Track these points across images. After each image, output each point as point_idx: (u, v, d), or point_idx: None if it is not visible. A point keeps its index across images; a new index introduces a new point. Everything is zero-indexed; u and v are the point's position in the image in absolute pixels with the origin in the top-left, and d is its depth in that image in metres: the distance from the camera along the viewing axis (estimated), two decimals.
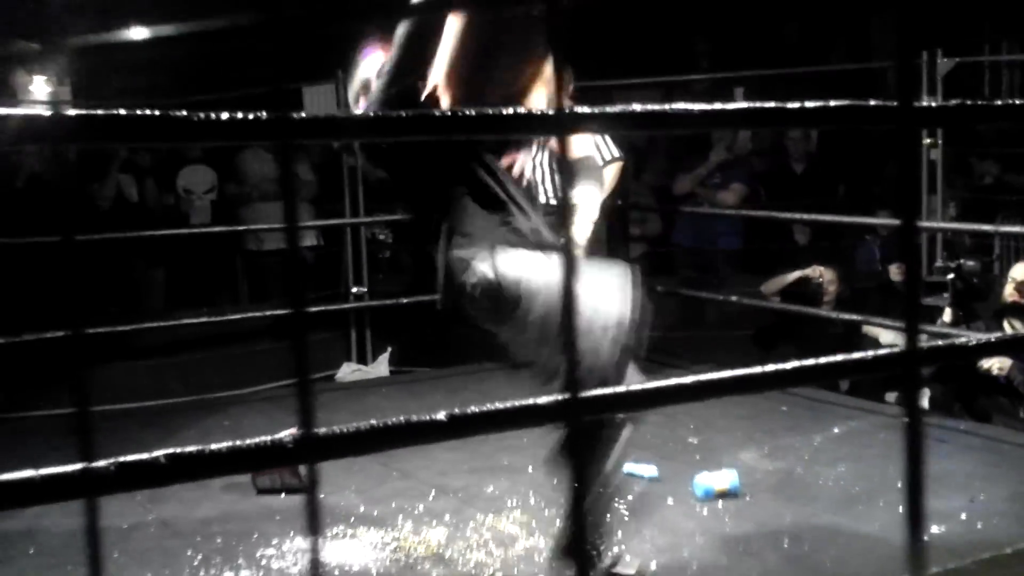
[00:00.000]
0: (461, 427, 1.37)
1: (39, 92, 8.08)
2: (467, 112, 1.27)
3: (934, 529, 3.68)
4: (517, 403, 1.37)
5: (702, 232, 7.75)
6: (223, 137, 1.23)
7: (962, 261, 5.71)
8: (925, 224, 6.77)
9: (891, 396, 5.66)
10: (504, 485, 4.25)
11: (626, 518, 3.90)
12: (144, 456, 1.19)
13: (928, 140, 7.10)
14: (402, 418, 1.11)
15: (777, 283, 6.58)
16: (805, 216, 6.73)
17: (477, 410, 1.32)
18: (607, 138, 5.96)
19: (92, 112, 1.10)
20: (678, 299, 7.14)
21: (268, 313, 6.28)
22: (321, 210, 7.57)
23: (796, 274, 6.53)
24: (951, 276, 5.56)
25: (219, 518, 4.02)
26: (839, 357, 1.55)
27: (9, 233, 6.12)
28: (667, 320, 7.28)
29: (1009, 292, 5.52)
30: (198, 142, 1.19)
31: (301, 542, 3.78)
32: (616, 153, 5.94)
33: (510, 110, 1.33)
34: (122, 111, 1.11)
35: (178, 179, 7.87)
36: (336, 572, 3.52)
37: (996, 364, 5.13)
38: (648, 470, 4.37)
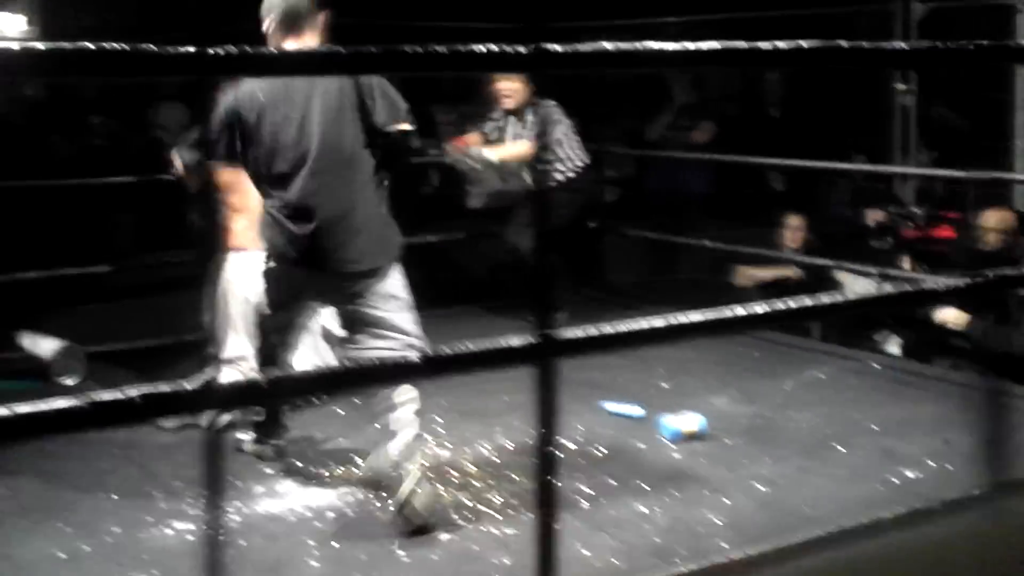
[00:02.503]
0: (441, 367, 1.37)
1: (8, 30, 7.97)
2: (437, 49, 1.26)
3: (907, 473, 3.74)
4: (488, 345, 1.38)
5: (674, 177, 7.73)
6: (186, 71, 1.21)
7: (910, 210, 5.75)
8: (896, 169, 6.80)
9: (894, 346, 5.65)
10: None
11: (601, 461, 3.96)
12: (119, 394, 1.20)
13: (901, 86, 7.11)
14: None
15: (752, 275, 6.51)
16: (776, 161, 6.73)
17: (454, 351, 1.32)
18: (573, 150, 5.96)
19: (60, 45, 1.08)
20: (650, 244, 7.15)
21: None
22: None
23: (774, 273, 6.45)
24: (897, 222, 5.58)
25: (196, 462, 4.01)
26: (803, 301, 1.57)
27: None
28: (639, 265, 7.32)
29: (982, 241, 5.53)
30: (164, 76, 1.18)
31: (275, 485, 3.80)
32: (580, 167, 5.95)
33: (481, 48, 1.32)
34: (88, 44, 1.09)
35: (154, 116, 7.76)
36: (305, 513, 3.54)
37: (952, 318, 5.10)
38: (634, 410, 4.43)
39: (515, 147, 5.93)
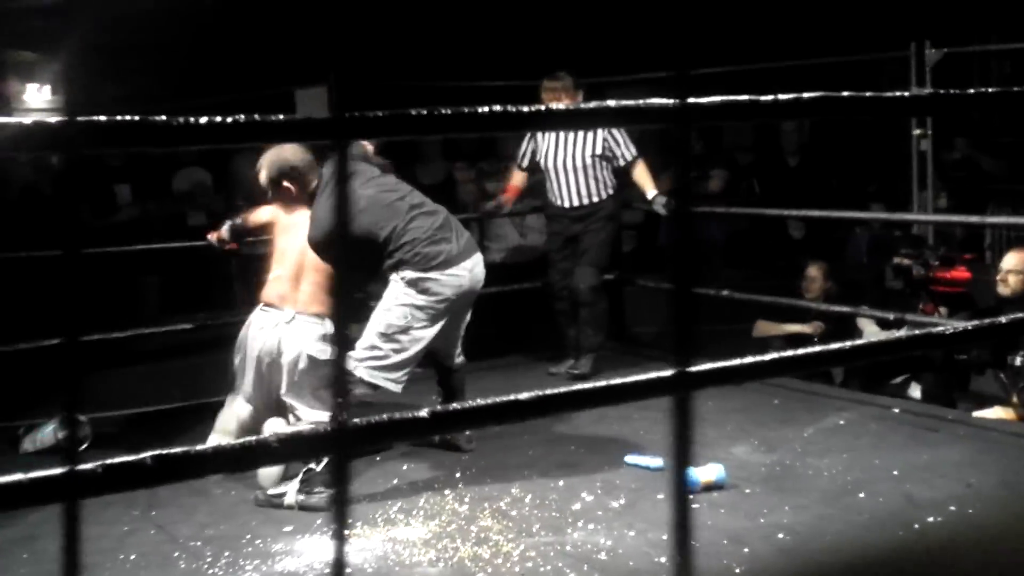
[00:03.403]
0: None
1: (33, 100, 8.12)
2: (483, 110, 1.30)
3: (929, 518, 3.71)
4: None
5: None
6: (212, 141, 1.25)
7: (922, 251, 5.75)
8: (913, 218, 6.80)
9: (916, 391, 5.63)
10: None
11: (619, 511, 3.95)
12: (131, 458, 1.22)
13: (918, 131, 7.13)
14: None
15: (771, 329, 6.52)
16: (793, 212, 6.76)
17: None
18: (625, 139, 6.03)
19: (86, 119, 1.13)
20: (667, 295, 7.16)
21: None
22: None
23: (795, 328, 6.45)
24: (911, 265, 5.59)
25: (215, 521, 4.05)
26: (822, 347, 1.58)
27: (3, 244, 6.15)
28: (658, 315, 7.32)
29: (1002, 283, 5.50)
30: (183, 146, 1.22)
31: (294, 543, 3.81)
32: (634, 153, 6.03)
33: (525, 108, 1.36)
34: (114, 117, 1.13)
35: (174, 182, 7.90)
36: (325, 569, 3.55)
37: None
38: (653, 461, 4.42)
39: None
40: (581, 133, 5.99)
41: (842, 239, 8.14)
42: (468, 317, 4.59)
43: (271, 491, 4.17)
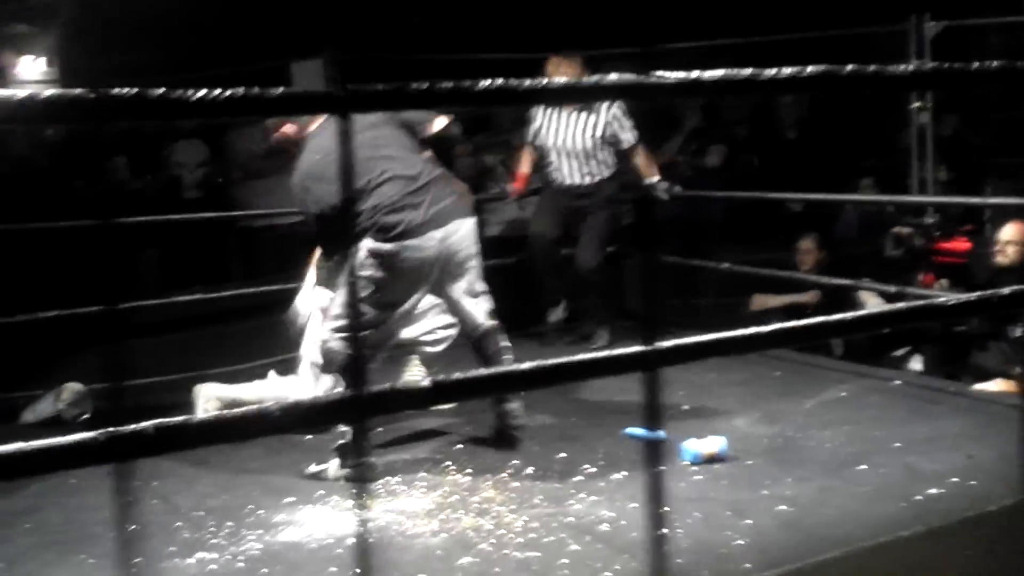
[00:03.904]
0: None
1: (28, 73, 8.07)
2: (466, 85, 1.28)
3: (930, 490, 3.71)
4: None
5: (688, 201, 7.72)
6: (209, 115, 1.23)
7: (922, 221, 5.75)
8: (918, 199, 6.79)
9: (917, 363, 5.63)
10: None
11: (621, 483, 3.95)
12: (133, 427, 1.21)
13: (917, 104, 7.11)
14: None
15: (766, 302, 6.53)
16: (785, 195, 6.77)
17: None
18: (629, 123, 6.00)
19: (81, 92, 1.11)
20: (668, 269, 7.16)
21: (262, 289, 6.28)
22: None
23: (788, 299, 6.46)
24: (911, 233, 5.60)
25: (216, 492, 4.04)
26: (819, 319, 1.57)
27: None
28: (657, 290, 7.31)
29: (1000, 254, 5.52)
30: (177, 120, 1.20)
31: (296, 514, 3.81)
32: (635, 137, 6.01)
33: (511, 81, 1.34)
34: (109, 90, 1.12)
35: (172, 153, 7.88)
36: (327, 540, 3.55)
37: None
38: (655, 434, 4.41)
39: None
40: (584, 114, 5.97)
41: (833, 214, 8.12)
42: (472, 283, 4.40)
43: (312, 468, 4.15)
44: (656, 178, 6.13)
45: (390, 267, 4.16)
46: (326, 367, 4.32)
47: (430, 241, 4.17)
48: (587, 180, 6.05)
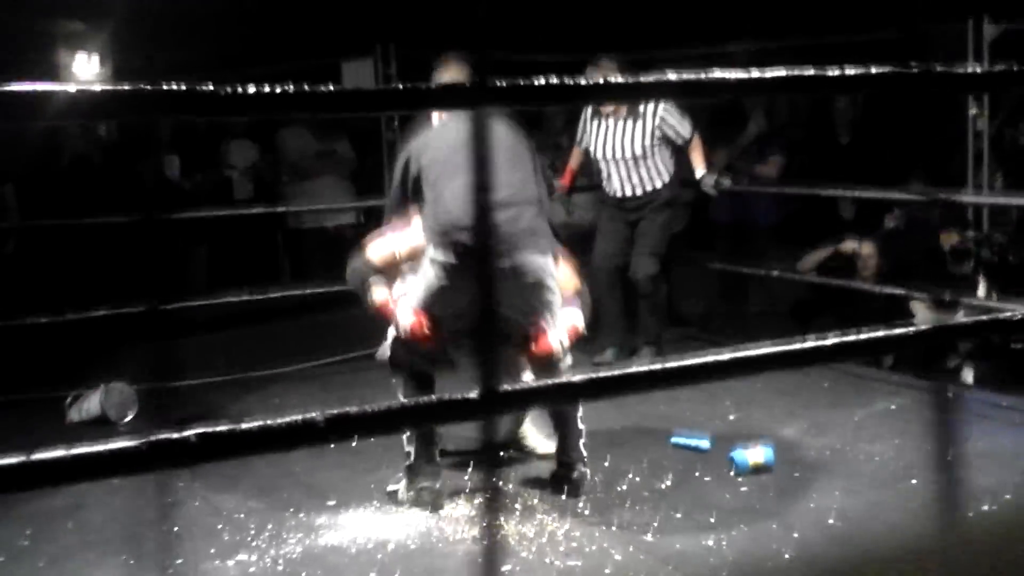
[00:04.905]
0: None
1: (82, 70, 8.15)
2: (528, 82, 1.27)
3: (984, 507, 3.63)
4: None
5: (742, 205, 7.63)
6: (256, 111, 1.21)
7: (990, 233, 5.62)
8: (969, 199, 6.67)
9: (969, 376, 5.52)
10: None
11: (665, 492, 3.91)
12: (175, 435, 1.19)
13: (974, 110, 6.97)
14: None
15: (812, 259, 6.53)
16: (840, 192, 6.68)
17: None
18: (680, 117, 5.92)
19: (135, 87, 1.09)
20: (718, 274, 7.10)
21: (309, 291, 6.29)
22: (361, 186, 7.55)
23: (829, 249, 6.49)
24: (975, 247, 5.48)
25: (258, 494, 4.04)
26: (869, 332, 1.52)
27: (54, 214, 6.19)
28: (708, 295, 7.24)
29: None
30: (225, 116, 1.19)
31: (337, 517, 3.80)
32: (691, 130, 5.94)
33: (571, 81, 1.32)
34: (161, 86, 1.10)
35: (222, 154, 7.91)
36: (367, 544, 3.53)
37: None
38: (700, 442, 4.37)
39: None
40: (630, 121, 5.87)
41: (880, 219, 7.98)
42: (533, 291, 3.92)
43: (389, 487, 4.02)
44: (703, 172, 6.04)
45: (439, 274, 3.85)
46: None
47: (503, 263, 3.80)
48: (639, 191, 5.95)
